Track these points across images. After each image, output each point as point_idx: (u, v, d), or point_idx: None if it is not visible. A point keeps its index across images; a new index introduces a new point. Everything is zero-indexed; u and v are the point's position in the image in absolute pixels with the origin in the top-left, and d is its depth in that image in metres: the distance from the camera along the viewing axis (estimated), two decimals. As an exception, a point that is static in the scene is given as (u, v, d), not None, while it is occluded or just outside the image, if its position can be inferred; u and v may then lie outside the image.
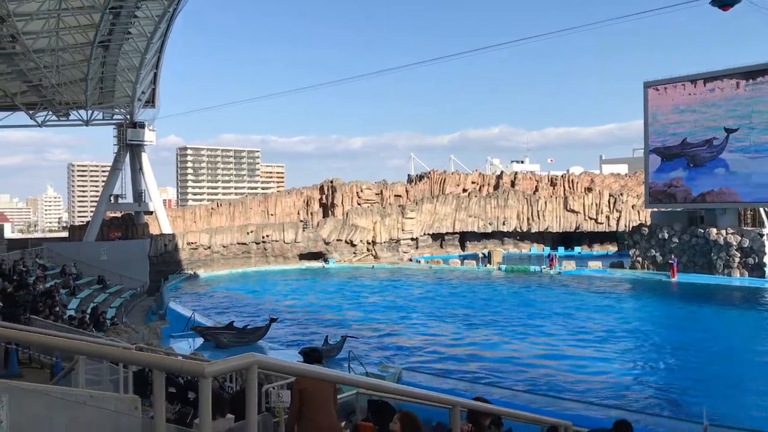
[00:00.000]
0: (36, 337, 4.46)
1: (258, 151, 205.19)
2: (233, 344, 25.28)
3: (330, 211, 67.65)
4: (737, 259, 44.11)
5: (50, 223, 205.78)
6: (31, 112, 46.00)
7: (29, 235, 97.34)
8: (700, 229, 46.71)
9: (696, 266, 46.30)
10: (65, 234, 72.25)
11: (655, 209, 52.44)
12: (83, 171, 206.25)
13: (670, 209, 50.77)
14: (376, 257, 62.97)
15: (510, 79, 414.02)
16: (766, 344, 26.98)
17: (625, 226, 65.06)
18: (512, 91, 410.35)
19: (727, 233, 44.89)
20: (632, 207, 68.86)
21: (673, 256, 46.47)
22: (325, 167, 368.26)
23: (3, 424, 3.78)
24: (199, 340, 25.83)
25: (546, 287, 44.27)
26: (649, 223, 52.72)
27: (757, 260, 43.40)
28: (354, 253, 62.81)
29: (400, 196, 71.61)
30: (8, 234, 71.34)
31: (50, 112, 47.92)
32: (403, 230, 65.31)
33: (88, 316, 24.55)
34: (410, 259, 63.24)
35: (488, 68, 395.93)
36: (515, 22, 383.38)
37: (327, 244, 61.93)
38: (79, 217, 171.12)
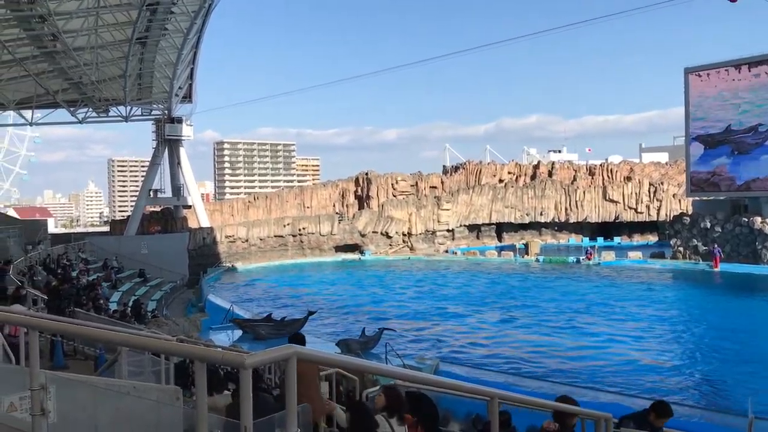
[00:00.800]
0: (81, 329, 4.54)
1: (293, 144, 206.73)
2: (271, 336, 25.50)
3: (365, 203, 67.78)
4: (783, 249, 42.96)
5: (92, 217, 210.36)
6: (72, 109, 46.94)
7: (72, 230, 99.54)
8: (744, 218, 45.57)
9: (740, 256, 45.20)
10: (106, 228, 73.72)
11: (697, 198, 51.34)
12: (123, 166, 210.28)
13: (712, 198, 49.64)
14: (411, 249, 62.93)
15: (546, 67, 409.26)
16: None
17: (666, 215, 63.84)
18: (549, 79, 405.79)
19: (772, 222, 43.76)
20: (673, 196, 67.54)
21: (715, 246, 45.43)
22: (360, 159, 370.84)
23: (51, 414, 3.86)
24: (238, 332, 26.11)
25: (585, 278, 43.72)
26: (690, 213, 51.61)
27: (803, 249, 42.23)
28: (390, 244, 62.86)
29: (435, 187, 71.38)
30: (51, 229, 73.12)
31: (90, 109, 48.84)
32: (438, 221, 65.11)
33: (129, 308, 25.04)
34: (446, 251, 63.04)
35: (524, 57, 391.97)
36: (551, 9, 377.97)
37: (363, 236, 62.09)
38: (119, 211, 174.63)
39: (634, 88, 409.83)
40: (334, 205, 69.07)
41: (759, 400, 14.72)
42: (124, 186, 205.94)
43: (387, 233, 62.75)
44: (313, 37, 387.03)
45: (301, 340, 7.04)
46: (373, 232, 62.53)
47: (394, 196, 68.05)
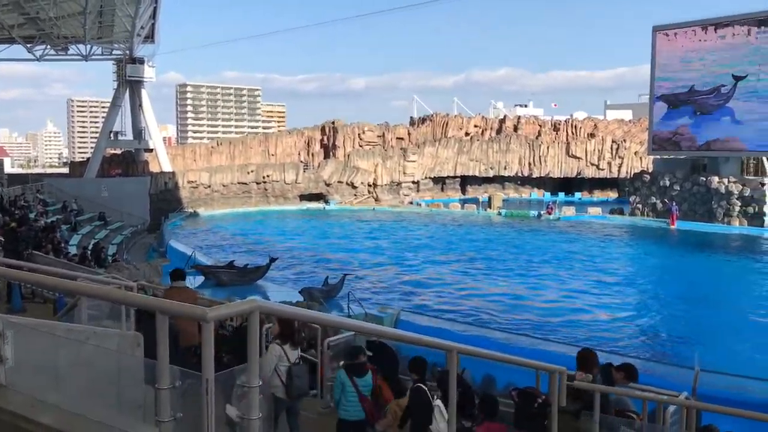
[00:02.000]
0: (39, 277, 4.48)
1: (259, 90, 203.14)
2: (234, 283, 25.55)
3: (331, 153, 67.38)
4: (737, 208, 44.11)
5: (50, 158, 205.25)
6: (29, 45, 45.27)
7: (29, 171, 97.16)
8: (702, 178, 46.56)
9: (696, 214, 46.33)
10: (65, 170, 72.12)
11: (658, 156, 52.17)
12: (83, 107, 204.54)
13: (672, 157, 50.49)
14: (376, 200, 63.03)
15: (518, 19, 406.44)
16: (762, 293, 27.25)
17: (627, 173, 64.83)
18: (520, 32, 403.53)
19: (728, 182, 44.80)
20: (635, 154, 68.54)
21: (673, 204, 46.42)
22: (327, 107, 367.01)
23: (8, 360, 3.84)
24: (200, 279, 26.07)
25: (544, 232, 44.45)
26: (650, 171, 52.53)
27: (757, 209, 43.40)
28: (355, 195, 62.84)
29: (402, 138, 71.21)
30: (8, 169, 71.33)
31: (49, 46, 47.18)
32: (404, 173, 65.17)
33: (89, 252, 24.73)
34: (411, 202, 63.32)
35: (496, 7, 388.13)
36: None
37: (328, 185, 61.90)
38: (79, 153, 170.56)
39: (606, 44, 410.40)
40: (299, 154, 68.51)
41: (705, 355, 15.35)
42: (84, 127, 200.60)
43: (352, 183, 62.65)
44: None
45: (182, 276, 7.43)
46: (339, 182, 62.35)
47: (361, 146, 67.73)
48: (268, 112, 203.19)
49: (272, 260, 27.22)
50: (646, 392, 7.03)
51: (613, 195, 67.83)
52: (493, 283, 27.95)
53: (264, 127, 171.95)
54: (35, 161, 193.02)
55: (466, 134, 73.45)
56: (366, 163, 63.56)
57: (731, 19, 45.45)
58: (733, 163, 46.35)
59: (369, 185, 63.54)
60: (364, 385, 6.69)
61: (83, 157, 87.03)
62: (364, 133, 69.19)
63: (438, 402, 5.95)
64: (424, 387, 6.32)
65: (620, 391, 6.80)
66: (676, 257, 36.54)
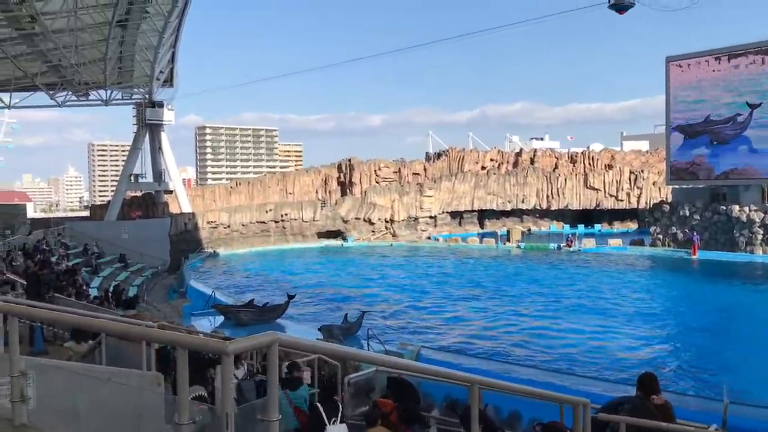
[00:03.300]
0: (62, 316, 4.53)
1: (276, 130, 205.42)
2: (253, 322, 25.50)
3: (348, 190, 67.69)
4: (760, 236, 43.57)
5: (71, 202, 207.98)
6: (51, 92, 46.27)
7: (51, 215, 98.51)
8: (722, 206, 46.13)
9: (718, 243, 45.81)
10: (86, 213, 72.99)
11: (677, 186, 51.85)
12: (103, 151, 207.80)
13: (691, 186, 50.17)
14: (394, 235, 63.03)
15: (531, 55, 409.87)
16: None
17: (646, 203, 64.44)
18: (533, 68, 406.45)
19: (750, 210, 44.33)
20: (653, 184, 68.18)
21: (694, 233, 45.98)
22: (343, 145, 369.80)
23: (31, 400, 3.86)
24: (220, 318, 26.09)
25: (565, 265, 44.09)
26: (670, 200, 52.16)
27: (780, 237, 42.87)
28: (372, 231, 62.91)
29: (418, 174, 71.42)
30: (31, 213, 72.33)
31: (70, 92, 48.18)
32: (421, 208, 65.25)
33: (110, 294, 24.88)
34: (428, 237, 63.21)
35: (509, 44, 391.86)
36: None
37: (345, 222, 62.07)
38: (100, 196, 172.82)
39: (620, 76, 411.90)
40: (316, 192, 68.89)
41: (733, 386, 15.01)
42: (104, 171, 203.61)
43: (370, 220, 62.78)
44: (297, 22, 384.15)
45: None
46: (356, 218, 62.52)
47: (377, 182, 68.02)
48: (285, 151, 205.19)
49: (290, 297, 27.17)
50: (675, 424, 6.86)
51: (633, 226, 67.27)
52: (514, 317, 27.65)
53: (282, 167, 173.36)
54: (57, 205, 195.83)
55: (483, 168, 73.53)
56: (383, 199, 63.74)
57: (744, 48, 45.55)
58: (753, 191, 45.92)
59: (386, 221, 63.64)
60: (297, 397, 7.27)
61: (104, 200, 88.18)
62: (380, 169, 69.53)
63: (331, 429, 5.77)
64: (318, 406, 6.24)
65: (648, 424, 6.65)
66: (699, 287, 35.99)
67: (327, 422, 5.68)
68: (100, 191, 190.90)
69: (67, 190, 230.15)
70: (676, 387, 17.06)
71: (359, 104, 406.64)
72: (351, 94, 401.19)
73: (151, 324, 9.83)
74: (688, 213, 47.82)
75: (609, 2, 38.17)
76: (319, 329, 22.09)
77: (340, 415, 6.01)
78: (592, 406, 6.26)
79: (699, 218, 47.21)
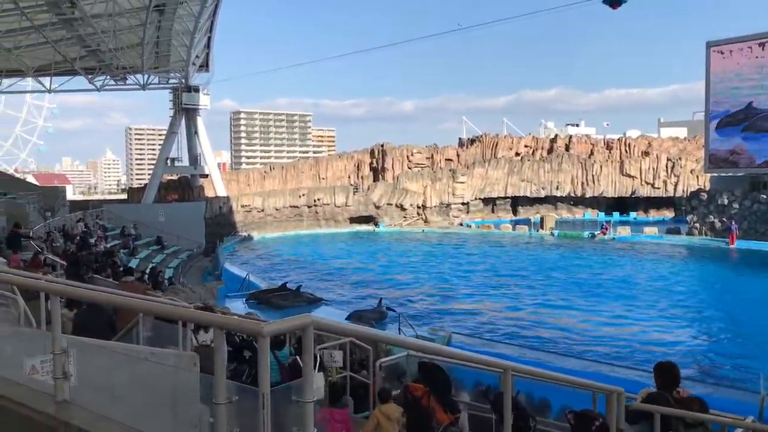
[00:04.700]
0: (101, 295, 4.62)
1: (309, 115, 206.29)
2: (285, 306, 25.70)
3: (380, 175, 67.70)
4: (802, 227, 42.52)
5: (109, 185, 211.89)
6: (90, 76, 47.04)
7: (90, 197, 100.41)
8: (762, 195, 45.04)
9: (757, 233, 44.76)
10: (124, 196, 74.32)
11: (715, 174, 50.77)
12: (140, 134, 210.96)
13: (730, 174, 49.06)
14: (426, 221, 62.94)
15: (569, 39, 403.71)
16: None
17: (683, 191, 63.28)
18: (569, 53, 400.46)
19: (791, 199, 43.26)
20: (691, 172, 66.87)
21: (732, 222, 44.99)
22: (376, 131, 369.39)
23: (72, 377, 3.96)
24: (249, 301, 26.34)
25: (599, 253, 43.58)
26: (708, 189, 51.10)
27: (823, 228, 41.77)
28: (404, 217, 62.91)
29: (451, 160, 71.11)
30: (70, 196, 73.73)
31: (108, 77, 48.93)
32: (453, 194, 64.98)
33: (147, 276, 25.30)
34: (461, 224, 62.99)
35: (546, 28, 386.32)
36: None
37: (377, 207, 62.14)
38: (137, 179, 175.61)
39: (659, 62, 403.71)
40: (349, 177, 69.05)
41: (772, 378, 14.70)
42: (141, 154, 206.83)
43: (401, 205, 62.75)
44: (332, 6, 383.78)
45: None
46: (388, 204, 62.54)
47: (410, 168, 67.90)
48: (318, 136, 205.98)
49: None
50: (710, 415, 6.77)
51: (669, 214, 66.13)
52: (546, 305, 27.46)
53: (315, 152, 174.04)
54: (95, 188, 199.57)
55: (517, 154, 72.87)
56: (415, 185, 63.63)
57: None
58: (795, 180, 44.79)
59: (418, 207, 63.55)
60: (283, 355, 8.32)
61: (141, 184, 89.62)
62: (412, 155, 69.37)
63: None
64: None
65: (682, 414, 6.56)
66: (737, 277, 35.30)
67: None
68: (137, 174, 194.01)
69: (105, 173, 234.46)
70: (712, 377, 16.82)
71: (393, 90, 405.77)
72: (385, 79, 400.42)
73: (186, 305, 9.99)
74: (726, 201, 46.79)
75: None
76: (348, 317, 22.10)
77: (318, 365, 6.51)
78: (627, 396, 6.20)
79: (738, 207, 46.16)
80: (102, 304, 6.74)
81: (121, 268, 23.34)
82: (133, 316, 6.82)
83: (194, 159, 56.94)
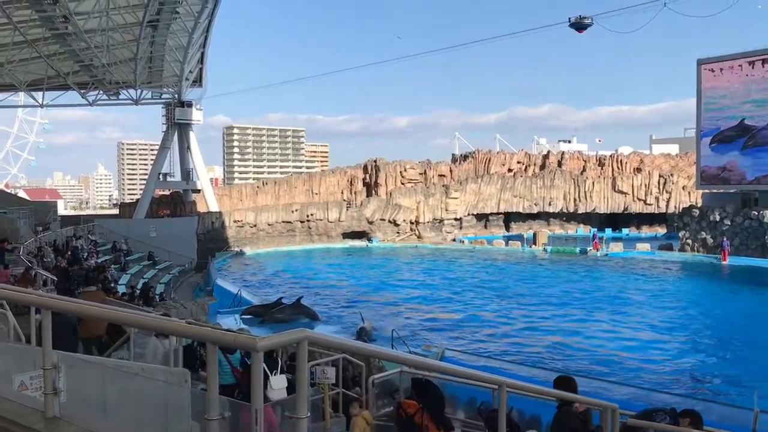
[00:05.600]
0: (93, 310, 4.58)
1: (303, 131, 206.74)
2: (277, 321, 25.60)
3: (373, 191, 67.72)
4: (793, 243, 42.70)
5: (101, 200, 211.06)
6: (82, 91, 47.03)
7: (81, 212, 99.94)
8: (754, 212, 45.28)
9: (749, 249, 44.95)
10: (116, 211, 73.90)
11: (707, 191, 51.04)
12: (132, 149, 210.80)
13: (722, 191, 49.33)
14: (419, 237, 62.92)
15: (560, 56, 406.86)
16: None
17: (675, 207, 63.47)
18: (562, 69, 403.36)
19: (782, 216, 43.48)
20: (683, 188, 67.18)
21: (724, 239, 45.19)
22: (369, 146, 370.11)
23: (62, 393, 3.90)
24: (245, 316, 26.22)
25: (592, 269, 43.64)
26: (700, 205, 51.33)
27: (813, 244, 41.95)
28: (397, 232, 62.87)
29: (444, 175, 71.22)
30: (61, 211, 73.46)
31: (101, 92, 48.93)
32: (446, 210, 65.04)
33: (138, 291, 25.16)
34: (454, 239, 62.99)
35: (538, 46, 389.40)
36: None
37: (370, 223, 62.11)
38: (128, 194, 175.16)
39: (650, 79, 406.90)
40: (342, 192, 69.03)
41: (764, 394, 14.70)
42: (133, 169, 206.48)
43: (395, 221, 62.74)
44: (325, 23, 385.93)
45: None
46: (381, 219, 62.52)
47: (403, 184, 67.96)
48: (311, 152, 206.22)
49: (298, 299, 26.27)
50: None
51: (661, 230, 66.30)
52: (539, 321, 27.43)
53: (308, 167, 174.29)
54: (87, 203, 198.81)
55: (509, 170, 73.09)
56: (408, 201, 63.67)
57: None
58: (786, 197, 45.06)
59: (411, 222, 63.54)
60: (235, 359, 8.72)
61: (133, 199, 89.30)
62: (405, 171, 69.46)
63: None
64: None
65: (678, 430, 6.54)
66: (729, 294, 35.38)
67: (269, 374, 6.26)
68: (129, 189, 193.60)
69: (97, 188, 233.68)
70: (705, 394, 16.79)
71: (386, 106, 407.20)
72: (378, 95, 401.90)
73: (178, 321, 9.92)
74: (718, 218, 47.00)
75: (569, 21, 43.90)
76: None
77: (279, 368, 6.91)
78: (621, 412, 6.18)
79: (729, 223, 46.37)
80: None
81: (112, 284, 23.22)
82: (98, 325, 6.90)
83: (186, 174, 56.81)
